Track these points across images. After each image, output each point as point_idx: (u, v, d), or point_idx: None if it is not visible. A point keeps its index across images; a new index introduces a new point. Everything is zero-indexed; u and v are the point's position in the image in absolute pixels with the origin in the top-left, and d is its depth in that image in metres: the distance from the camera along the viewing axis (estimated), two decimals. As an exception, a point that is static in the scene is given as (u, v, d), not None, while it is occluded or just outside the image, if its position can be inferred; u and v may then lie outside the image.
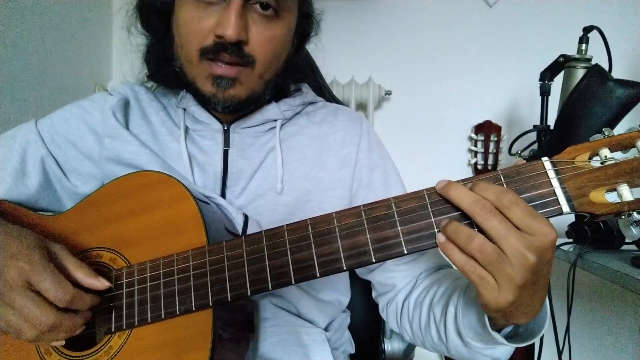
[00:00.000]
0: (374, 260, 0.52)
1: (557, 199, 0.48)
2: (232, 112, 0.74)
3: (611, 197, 0.47)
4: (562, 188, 0.48)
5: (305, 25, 0.80)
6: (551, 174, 0.48)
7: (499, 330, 0.57)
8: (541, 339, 1.29)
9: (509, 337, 0.58)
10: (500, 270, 0.46)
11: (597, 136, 0.48)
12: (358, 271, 0.87)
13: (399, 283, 0.79)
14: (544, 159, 0.49)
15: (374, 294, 0.86)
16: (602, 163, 0.47)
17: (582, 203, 0.47)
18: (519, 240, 0.45)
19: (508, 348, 0.61)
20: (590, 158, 0.49)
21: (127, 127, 0.79)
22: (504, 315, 0.50)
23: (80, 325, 0.59)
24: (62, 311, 0.56)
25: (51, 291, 0.54)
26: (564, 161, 0.49)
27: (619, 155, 0.48)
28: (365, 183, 0.82)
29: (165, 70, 0.77)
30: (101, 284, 0.59)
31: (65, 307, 0.55)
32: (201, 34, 0.68)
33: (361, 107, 1.81)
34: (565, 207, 0.47)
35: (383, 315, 0.84)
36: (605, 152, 0.48)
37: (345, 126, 0.84)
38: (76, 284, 0.57)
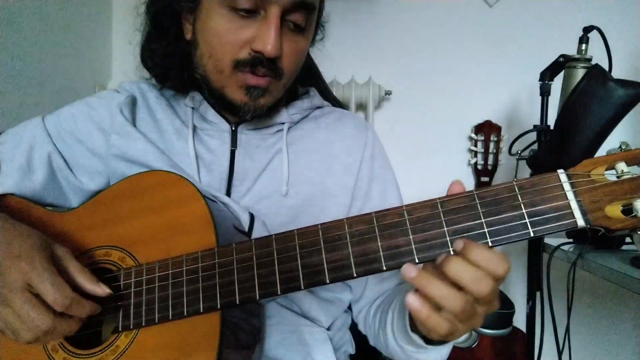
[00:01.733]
0: (384, 268, 0.52)
1: (572, 212, 0.47)
2: (251, 117, 0.75)
3: (627, 212, 0.46)
4: (578, 201, 0.48)
5: (316, 33, 0.81)
6: (566, 186, 0.48)
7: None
8: (541, 339, 1.30)
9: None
10: (470, 322, 0.50)
11: (614, 149, 0.48)
12: None
13: (369, 295, 0.83)
14: (560, 171, 0.49)
15: (350, 298, 0.88)
16: (618, 177, 0.47)
17: (597, 217, 0.47)
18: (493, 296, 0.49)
19: (442, 353, 0.64)
20: (606, 171, 0.48)
21: (134, 125, 0.79)
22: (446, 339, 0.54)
23: (75, 329, 0.58)
24: (59, 316, 0.55)
25: (50, 294, 0.54)
26: (579, 174, 0.48)
27: (635, 170, 0.47)
28: (364, 193, 0.83)
29: (181, 75, 0.77)
30: (102, 290, 0.59)
31: (63, 311, 0.55)
32: (236, 46, 0.67)
33: (361, 107, 1.80)
34: (580, 221, 0.47)
35: (356, 320, 0.88)
36: (621, 166, 0.47)
37: (352, 134, 0.85)
38: (77, 290, 0.57)
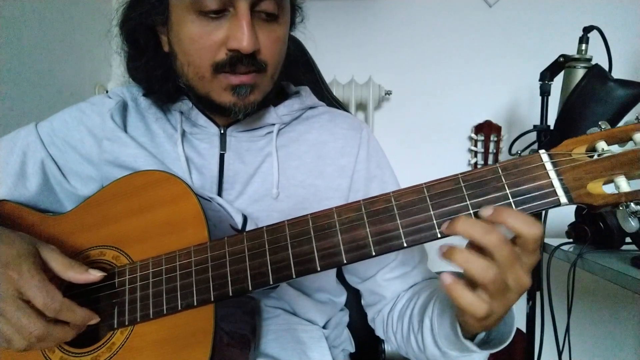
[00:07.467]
0: (374, 253, 0.52)
1: (554, 191, 0.48)
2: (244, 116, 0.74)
3: (609, 189, 0.47)
4: (560, 180, 0.48)
5: (294, 16, 0.79)
6: (548, 166, 0.49)
7: (472, 337, 0.59)
8: (541, 339, 1.29)
9: (482, 344, 0.60)
10: (504, 298, 0.48)
11: (594, 129, 0.48)
12: (349, 279, 0.87)
13: (387, 295, 0.81)
14: (541, 151, 0.49)
15: (363, 302, 0.87)
16: (599, 155, 0.48)
17: (580, 194, 0.47)
18: (521, 268, 0.47)
19: (483, 356, 0.63)
20: (587, 151, 0.49)
21: (126, 130, 0.79)
22: (483, 324, 0.52)
23: (71, 336, 0.58)
24: (51, 322, 0.55)
25: (38, 299, 0.54)
26: (561, 153, 0.49)
27: (615, 148, 0.48)
28: (362, 194, 0.81)
29: (166, 88, 0.77)
30: (94, 275, 0.59)
31: (55, 316, 0.55)
32: (212, 48, 0.66)
33: (361, 107, 1.81)
34: (563, 198, 0.47)
35: (372, 325, 0.85)
36: (602, 144, 0.48)
37: (345, 134, 0.83)
38: (78, 298, 0.58)
